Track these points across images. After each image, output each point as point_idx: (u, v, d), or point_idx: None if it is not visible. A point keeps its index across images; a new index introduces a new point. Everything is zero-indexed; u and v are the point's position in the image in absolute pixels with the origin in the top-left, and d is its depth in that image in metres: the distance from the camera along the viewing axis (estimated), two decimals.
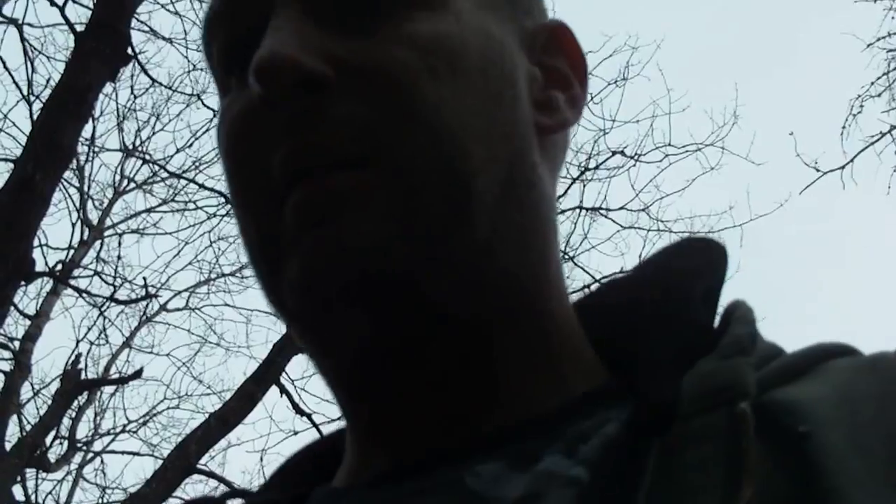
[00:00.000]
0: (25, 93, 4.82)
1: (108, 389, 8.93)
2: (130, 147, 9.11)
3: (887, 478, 0.40)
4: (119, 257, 8.05)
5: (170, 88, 7.40)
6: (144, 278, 6.86)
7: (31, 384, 7.68)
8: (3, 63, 4.53)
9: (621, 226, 7.97)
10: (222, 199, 7.34)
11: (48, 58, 6.68)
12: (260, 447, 8.30)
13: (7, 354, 5.99)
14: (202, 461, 6.22)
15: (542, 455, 0.46)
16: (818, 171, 6.47)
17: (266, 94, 0.49)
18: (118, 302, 6.95)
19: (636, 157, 7.84)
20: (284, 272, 0.50)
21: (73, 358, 6.90)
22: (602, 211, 7.94)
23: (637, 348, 0.50)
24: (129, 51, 4.68)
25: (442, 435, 0.50)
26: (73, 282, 7.42)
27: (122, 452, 8.98)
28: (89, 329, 8.18)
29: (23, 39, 5.39)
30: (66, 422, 7.64)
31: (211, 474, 6.86)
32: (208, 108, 8.71)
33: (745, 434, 0.41)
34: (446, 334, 0.51)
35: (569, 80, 0.59)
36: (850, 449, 0.41)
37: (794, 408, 0.43)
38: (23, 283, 4.47)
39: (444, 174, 0.49)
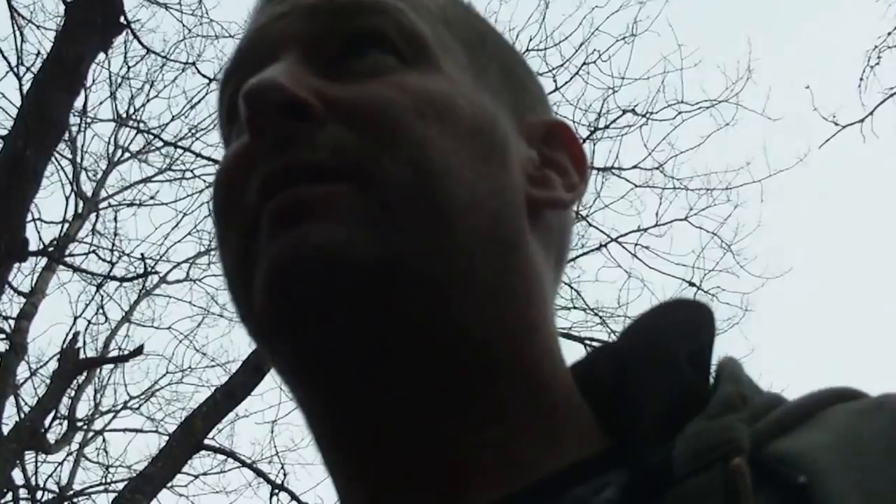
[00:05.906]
0: (14, 64, 4.60)
1: (109, 366, 8.79)
2: (124, 116, 8.92)
3: None
4: (115, 233, 7.87)
5: (164, 57, 7.18)
6: (142, 254, 6.69)
7: (28, 364, 7.56)
8: None
9: (634, 184, 7.81)
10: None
11: (37, 27, 6.39)
12: (270, 418, 8.11)
13: (1, 335, 5.82)
14: (210, 436, 6.11)
15: None
16: (837, 124, 6.24)
17: (251, 117, 0.51)
18: (115, 279, 6.79)
19: (648, 115, 7.68)
20: (254, 280, 0.51)
21: (70, 336, 6.74)
22: (614, 170, 7.78)
23: (630, 413, 0.51)
24: (122, 19, 4.50)
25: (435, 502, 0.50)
26: (69, 257, 7.26)
27: (125, 430, 8.90)
28: (87, 305, 8.02)
29: (11, 8, 5.18)
30: (64, 401, 7.50)
31: (219, 450, 6.80)
32: (204, 76, 8.53)
33: (744, 489, 0.42)
34: (417, 347, 0.50)
35: (568, 171, 0.61)
36: (857, 494, 0.41)
37: (793, 459, 0.43)
38: (16, 263, 4.32)
39: (423, 203, 0.51)
